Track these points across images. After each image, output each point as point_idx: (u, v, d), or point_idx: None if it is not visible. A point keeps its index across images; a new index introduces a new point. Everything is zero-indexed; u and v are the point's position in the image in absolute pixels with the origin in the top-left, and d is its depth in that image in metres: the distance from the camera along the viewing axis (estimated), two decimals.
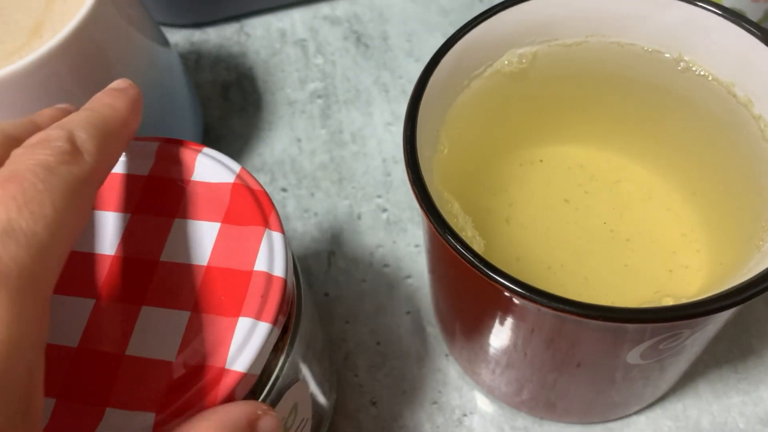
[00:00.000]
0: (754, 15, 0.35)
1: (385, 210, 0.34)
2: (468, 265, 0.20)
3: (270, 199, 0.21)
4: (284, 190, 0.35)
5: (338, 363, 0.30)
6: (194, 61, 0.40)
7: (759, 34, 0.23)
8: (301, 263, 0.33)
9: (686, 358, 0.25)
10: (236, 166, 0.22)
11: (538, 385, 0.27)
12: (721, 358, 0.29)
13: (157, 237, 0.20)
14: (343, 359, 0.30)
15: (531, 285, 0.19)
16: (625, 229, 0.26)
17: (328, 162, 0.36)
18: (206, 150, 0.22)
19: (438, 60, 0.23)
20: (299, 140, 0.37)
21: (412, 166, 0.21)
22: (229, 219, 0.20)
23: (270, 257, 0.20)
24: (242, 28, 0.42)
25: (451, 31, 0.40)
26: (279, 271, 0.20)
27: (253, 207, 0.21)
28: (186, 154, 0.22)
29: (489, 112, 0.26)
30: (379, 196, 0.35)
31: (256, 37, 0.41)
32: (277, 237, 0.20)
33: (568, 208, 0.27)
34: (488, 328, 0.25)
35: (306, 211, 0.34)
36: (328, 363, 0.28)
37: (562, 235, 0.26)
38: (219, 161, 0.22)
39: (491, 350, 0.26)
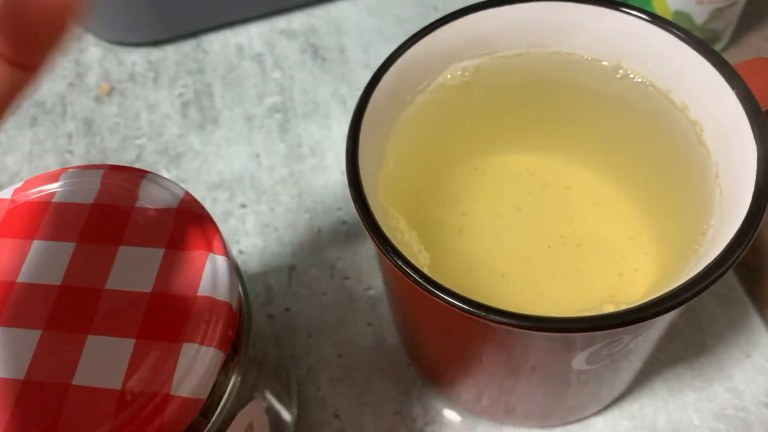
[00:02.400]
0: (699, 16, 0.36)
1: (344, 222, 0.34)
2: (410, 282, 0.20)
3: (214, 223, 0.21)
4: (244, 206, 0.35)
5: (301, 377, 0.30)
6: (152, 79, 0.40)
7: (691, 41, 0.23)
8: (261, 279, 0.33)
9: (637, 360, 0.25)
10: (180, 191, 0.22)
11: (496, 391, 0.27)
12: (676, 357, 0.30)
13: (101, 265, 0.20)
14: (306, 373, 0.30)
15: (470, 299, 0.19)
16: (576, 235, 0.27)
17: (287, 176, 0.36)
18: (150, 176, 0.22)
19: (379, 77, 0.23)
20: (258, 155, 0.37)
21: (354, 183, 0.21)
22: (173, 245, 0.21)
23: (213, 281, 0.20)
24: (200, 44, 0.42)
25: None
26: (223, 295, 0.20)
27: (196, 232, 0.21)
28: (130, 180, 0.22)
29: (436, 125, 0.27)
30: (339, 209, 0.35)
31: (214, 53, 0.41)
32: (220, 261, 0.20)
33: (520, 216, 0.27)
34: (442, 339, 0.25)
35: (266, 226, 0.35)
36: (287, 378, 0.28)
37: (515, 243, 0.27)
38: (163, 186, 0.22)
39: (448, 359, 0.27)
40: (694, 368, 0.29)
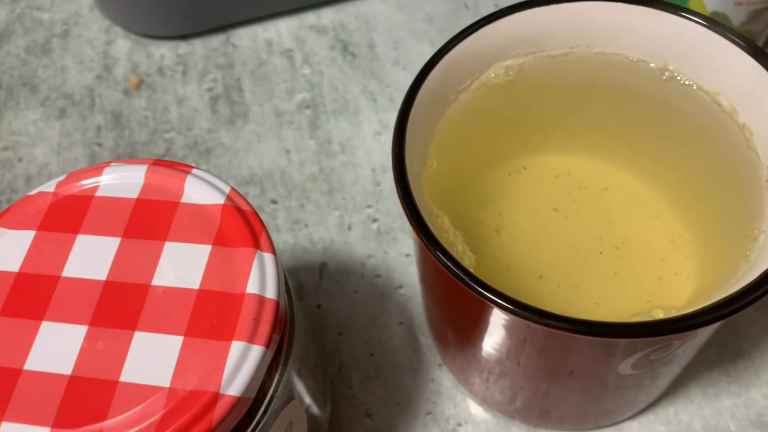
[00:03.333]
0: (737, 18, 0.35)
1: (375, 220, 0.34)
2: (458, 281, 0.20)
3: (260, 220, 0.21)
4: (274, 202, 0.35)
5: (332, 375, 0.30)
6: (181, 73, 0.40)
7: (743, 44, 0.23)
8: (292, 275, 0.33)
9: (678, 365, 0.25)
10: (226, 187, 0.22)
11: (532, 394, 0.27)
12: (712, 362, 0.29)
13: (147, 261, 0.20)
14: (337, 371, 0.30)
15: (522, 302, 0.19)
16: (614, 237, 0.26)
17: (317, 173, 0.36)
18: (195, 171, 0.22)
19: (424, 76, 0.23)
20: (288, 151, 0.37)
21: (402, 183, 0.21)
22: (219, 241, 0.20)
23: (261, 279, 0.20)
24: (228, 39, 0.41)
25: (437, 38, 0.40)
26: (271, 292, 0.20)
27: (243, 228, 0.21)
28: (175, 175, 0.22)
29: (476, 124, 0.26)
30: (369, 206, 0.35)
31: (243, 47, 0.41)
32: (268, 258, 0.20)
33: (557, 217, 0.27)
34: (480, 339, 0.25)
35: (296, 222, 0.34)
36: (322, 376, 0.28)
37: (552, 244, 0.26)
38: (208, 182, 0.22)
39: (484, 360, 0.26)
40: (730, 374, 0.29)
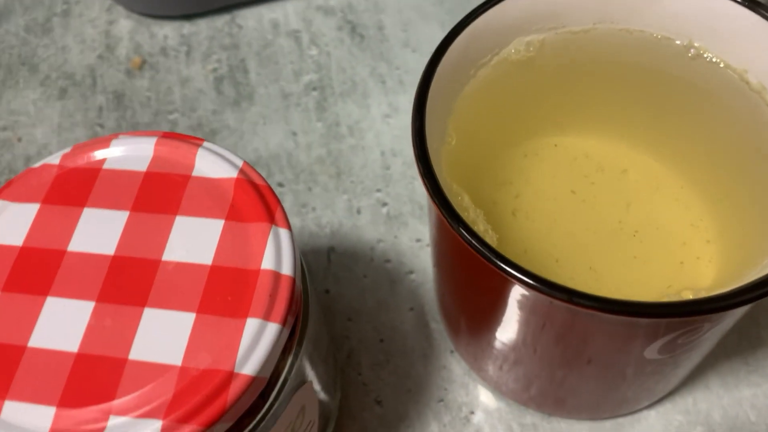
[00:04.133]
0: None
1: (385, 204, 0.33)
2: (483, 260, 0.19)
3: (275, 194, 0.20)
4: (281, 185, 0.34)
5: (341, 361, 0.29)
6: (185, 53, 0.39)
7: None
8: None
9: (700, 353, 0.24)
10: (238, 161, 0.21)
11: (547, 381, 0.26)
12: (731, 351, 0.29)
13: (157, 235, 0.19)
14: (346, 357, 0.29)
15: (557, 283, 0.18)
16: (633, 221, 0.26)
17: (325, 156, 0.35)
18: (206, 144, 0.21)
19: (444, 49, 0.22)
20: (295, 134, 0.36)
21: (423, 158, 0.20)
22: (233, 216, 0.20)
23: (277, 255, 0.19)
24: (233, 19, 0.41)
25: (447, 19, 0.39)
26: (287, 269, 0.19)
27: (257, 203, 0.20)
28: (185, 148, 0.21)
29: (495, 101, 0.26)
30: (378, 190, 0.34)
31: (248, 28, 0.40)
32: (284, 234, 0.19)
33: (574, 200, 0.26)
34: (497, 324, 0.24)
35: (304, 206, 0.33)
36: (332, 362, 0.27)
37: (569, 227, 0.26)
38: (220, 155, 0.21)
39: (499, 346, 0.26)
40: (750, 363, 0.28)
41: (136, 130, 0.36)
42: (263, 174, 0.34)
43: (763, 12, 0.22)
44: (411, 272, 0.31)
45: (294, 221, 0.33)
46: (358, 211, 0.33)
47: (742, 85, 0.24)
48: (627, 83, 0.26)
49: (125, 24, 0.41)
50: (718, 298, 0.17)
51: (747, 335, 0.29)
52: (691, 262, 0.25)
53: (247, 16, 0.41)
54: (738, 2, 0.23)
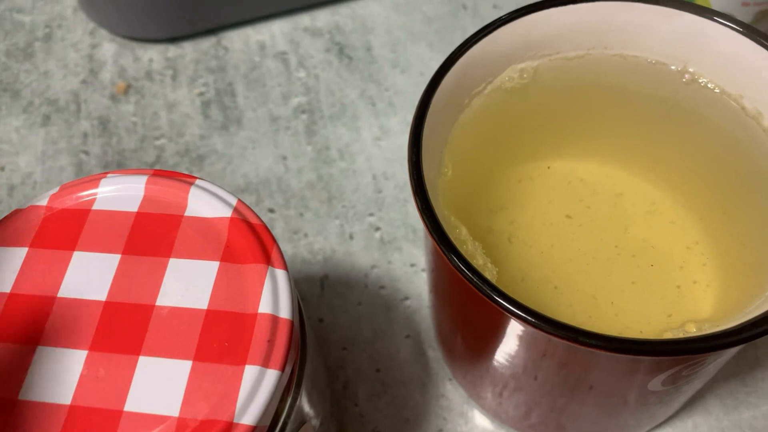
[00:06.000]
0: (744, 18, 0.35)
1: (378, 228, 0.33)
2: (483, 296, 0.19)
3: (271, 234, 0.20)
4: (272, 210, 0.34)
5: (338, 392, 0.29)
6: (171, 77, 0.39)
7: (766, 43, 0.22)
8: None
9: (703, 380, 0.24)
10: (232, 199, 0.20)
11: (548, 409, 0.26)
12: (729, 373, 0.28)
13: (150, 279, 0.19)
14: (342, 388, 0.29)
15: (558, 321, 0.18)
16: (630, 245, 0.25)
17: (316, 180, 0.35)
18: (199, 182, 0.21)
19: (439, 80, 0.22)
20: (285, 158, 0.35)
21: (420, 194, 0.20)
22: (228, 257, 0.19)
23: (274, 298, 0.18)
24: (220, 41, 0.40)
25: (436, 40, 0.39)
26: (285, 312, 0.18)
27: (253, 243, 0.19)
28: (177, 187, 0.20)
29: (490, 129, 0.25)
30: (371, 215, 0.33)
31: (235, 50, 0.40)
32: (281, 275, 0.19)
33: (570, 224, 0.26)
34: (496, 353, 0.24)
35: (295, 232, 0.33)
36: (329, 394, 0.26)
37: (567, 253, 0.25)
38: (213, 194, 0.20)
39: (498, 374, 0.25)
40: (748, 384, 0.28)
41: (122, 156, 0.36)
42: (253, 200, 0.34)
43: (757, 38, 0.22)
44: (406, 298, 0.31)
45: (286, 248, 0.33)
46: (351, 237, 0.33)
47: (737, 109, 0.24)
48: (621, 107, 0.26)
49: (109, 47, 0.40)
50: (724, 335, 0.17)
51: (744, 357, 0.29)
52: (688, 286, 0.24)
53: (234, 39, 0.40)
54: (732, 28, 0.22)
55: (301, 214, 0.34)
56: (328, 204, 0.34)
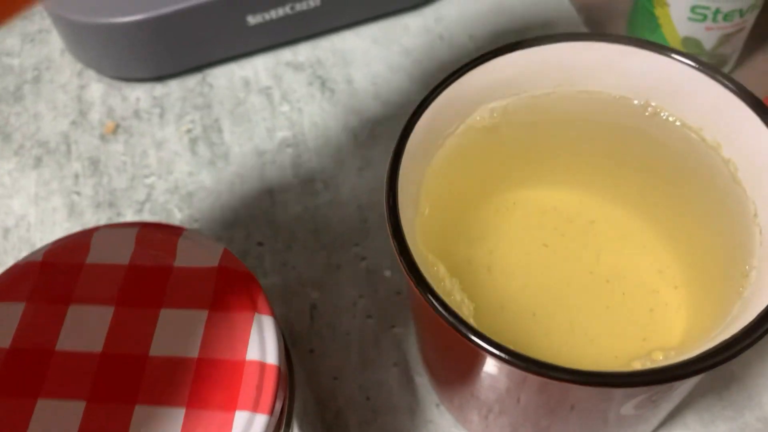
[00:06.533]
0: (708, 42, 0.36)
1: (363, 258, 0.34)
2: (460, 336, 0.20)
3: (257, 281, 0.21)
4: (260, 244, 0.35)
5: (329, 422, 0.30)
6: (158, 115, 0.40)
7: (722, 79, 0.23)
8: (283, 319, 0.32)
9: (679, 398, 0.25)
10: (219, 248, 0.21)
11: (532, 430, 0.27)
12: (705, 387, 0.30)
13: (143, 330, 0.20)
14: (334, 418, 0.30)
15: (526, 355, 0.19)
16: (604, 270, 0.26)
17: (302, 212, 0.36)
18: (187, 232, 0.22)
19: (412, 124, 0.23)
20: (272, 191, 0.36)
21: (398, 236, 0.21)
22: (216, 306, 0.20)
23: (261, 344, 0.19)
24: (204, 78, 0.41)
25: (415, 71, 0.40)
26: (272, 358, 0.19)
27: (239, 291, 0.20)
28: (166, 239, 0.21)
29: (464, 166, 0.27)
30: (356, 244, 0.34)
31: (220, 87, 0.41)
32: (267, 321, 0.20)
33: (546, 252, 0.27)
34: (479, 381, 0.25)
35: (284, 264, 0.34)
36: (320, 425, 0.27)
37: (544, 280, 0.26)
38: (201, 243, 0.21)
39: (483, 398, 0.26)
40: (723, 398, 0.29)
41: (113, 196, 0.37)
42: (242, 234, 0.35)
43: (713, 73, 0.23)
44: (393, 326, 0.32)
45: (275, 280, 0.34)
46: (338, 267, 0.34)
47: (698, 141, 0.25)
48: (589, 139, 0.27)
49: (97, 88, 0.41)
50: (680, 366, 0.18)
51: (720, 372, 0.30)
52: (660, 308, 0.25)
53: (218, 75, 0.41)
54: (689, 65, 0.24)
55: (290, 246, 0.35)
56: (315, 235, 0.35)
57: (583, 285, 0.26)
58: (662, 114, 0.25)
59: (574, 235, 0.27)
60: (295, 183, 0.37)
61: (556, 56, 0.25)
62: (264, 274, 0.34)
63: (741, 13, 0.34)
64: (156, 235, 0.22)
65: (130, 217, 0.36)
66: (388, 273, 0.33)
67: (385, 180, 0.22)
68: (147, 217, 0.36)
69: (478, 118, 0.26)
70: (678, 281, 0.26)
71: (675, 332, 0.25)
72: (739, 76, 0.39)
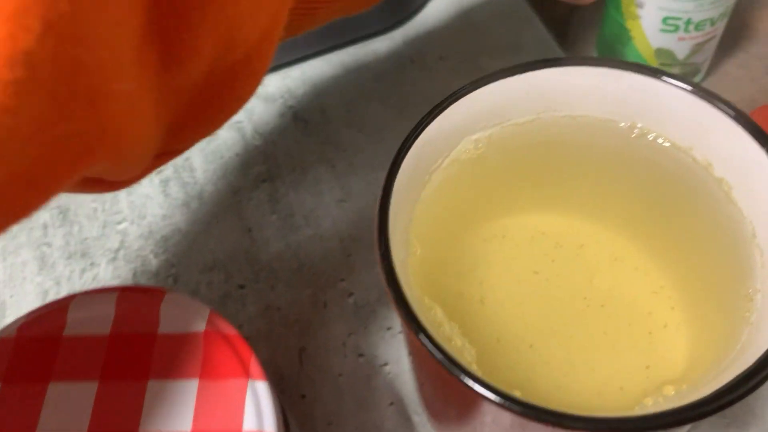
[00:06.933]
0: (681, 52, 0.36)
1: (351, 294, 0.33)
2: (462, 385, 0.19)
3: (247, 344, 0.20)
4: (242, 286, 0.34)
5: None
6: None
7: (706, 97, 0.23)
8: (271, 366, 0.31)
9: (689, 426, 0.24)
10: (205, 310, 0.20)
11: None
12: None
13: (131, 405, 0.19)
14: None
15: (530, 404, 0.18)
16: (598, 295, 0.26)
17: (283, 250, 0.35)
18: (169, 295, 0.21)
19: (398, 166, 0.22)
20: (250, 230, 0.35)
21: (393, 285, 0.20)
22: (206, 374, 0.19)
23: (257, 412, 0.18)
24: None
25: (387, 95, 0.40)
26: (269, 426, 0.18)
27: (230, 356, 0.19)
28: (148, 303, 0.20)
29: (452, 198, 0.26)
30: (342, 280, 0.33)
31: None
32: (261, 387, 0.19)
33: (538, 280, 0.26)
34: (482, 423, 0.24)
35: (268, 307, 0.33)
36: None
37: (538, 309, 0.26)
38: (185, 306, 0.20)
39: None
40: (726, 415, 0.29)
41: (85, 245, 0.35)
42: (222, 277, 0.34)
43: (699, 92, 0.23)
44: (386, 364, 0.31)
45: (260, 325, 0.32)
46: (325, 305, 0.33)
47: (689, 160, 0.24)
48: (575, 163, 0.27)
49: None
50: (698, 405, 0.18)
51: None
52: (659, 331, 0.25)
53: None
54: (673, 84, 0.23)
55: (272, 287, 0.33)
56: (298, 273, 0.34)
57: (579, 311, 0.26)
58: (649, 135, 0.25)
59: (564, 260, 0.27)
60: (273, 219, 0.36)
61: (537, 83, 0.24)
62: (248, 320, 0.33)
63: (712, 22, 0.34)
64: (136, 300, 0.20)
65: (104, 266, 0.35)
66: (377, 308, 0.32)
67: (374, 224, 0.21)
68: (121, 265, 0.35)
69: (462, 150, 0.25)
70: (674, 302, 0.25)
71: (678, 357, 0.24)
72: (712, 83, 0.39)
